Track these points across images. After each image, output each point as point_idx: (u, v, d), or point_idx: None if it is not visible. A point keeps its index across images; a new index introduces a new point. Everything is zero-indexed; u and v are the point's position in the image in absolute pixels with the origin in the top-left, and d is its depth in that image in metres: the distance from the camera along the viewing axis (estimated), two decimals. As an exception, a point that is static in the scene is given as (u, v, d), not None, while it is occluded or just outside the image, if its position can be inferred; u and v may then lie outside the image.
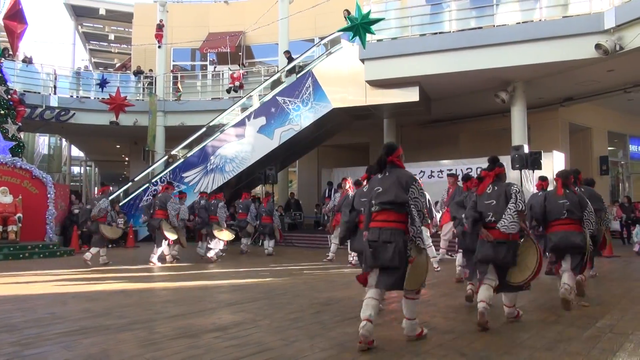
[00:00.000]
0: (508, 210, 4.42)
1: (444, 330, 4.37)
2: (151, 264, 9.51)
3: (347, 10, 14.79)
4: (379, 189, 4.07)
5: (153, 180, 15.58)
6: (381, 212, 4.01)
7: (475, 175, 6.14)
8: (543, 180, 7.41)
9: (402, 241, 3.90)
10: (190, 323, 4.66)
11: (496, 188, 4.67)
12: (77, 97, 17.70)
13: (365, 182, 5.13)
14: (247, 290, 6.59)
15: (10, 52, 16.67)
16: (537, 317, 4.88)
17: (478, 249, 4.68)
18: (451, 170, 13.75)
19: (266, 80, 16.42)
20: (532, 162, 10.65)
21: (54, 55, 67.21)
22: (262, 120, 14.37)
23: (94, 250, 9.67)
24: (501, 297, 4.77)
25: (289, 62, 15.61)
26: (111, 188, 11.73)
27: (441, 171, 14.02)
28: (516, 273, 4.54)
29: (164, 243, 9.88)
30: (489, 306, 4.36)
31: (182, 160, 15.59)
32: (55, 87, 17.79)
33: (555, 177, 5.80)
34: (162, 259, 10.06)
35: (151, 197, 12.14)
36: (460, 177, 7.51)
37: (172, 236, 9.71)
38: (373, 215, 4.05)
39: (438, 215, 9.30)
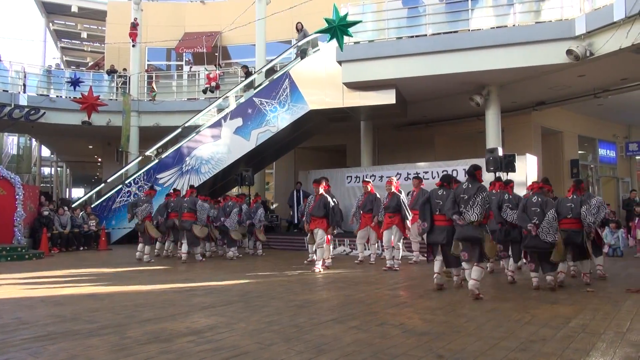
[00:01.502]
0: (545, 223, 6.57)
1: (420, 331, 4.36)
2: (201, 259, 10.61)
3: (300, 23, 15.24)
4: (464, 197, 6.10)
5: (127, 182, 15.25)
6: (467, 213, 6.07)
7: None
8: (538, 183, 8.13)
9: (483, 231, 6.05)
10: (162, 327, 4.55)
11: (539, 199, 6.79)
12: (48, 95, 17.23)
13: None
14: (221, 293, 6.49)
15: (-23, 49, 16.13)
16: (512, 318, 4.92)
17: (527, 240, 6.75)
18: (427, 172, 13.92)
19: (243, 81, 16.28)
20: (507, 164, 10.79)
21: (23, 52, 65.49)
22: (238, 122, 14.23)
23: (147, 249, 10.58)
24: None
25: (246, 77, 15.60)
26: (156, 191, 12.39)
27: (417, 173, 14.09)
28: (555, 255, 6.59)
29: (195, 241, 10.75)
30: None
31: (156, 161, 15.32)
32: (24, 85, 17.28)
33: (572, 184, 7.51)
34: (202, 254, 10.98)
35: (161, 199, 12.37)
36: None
37: (202, 234, 10.75)
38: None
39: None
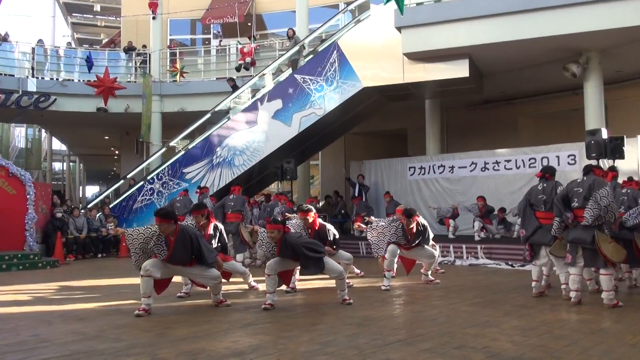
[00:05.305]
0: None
1: (510, 356, 4.28)
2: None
3: (291, 29, 16.09)
4: (579, 190, 6.47)
5: (149, 178, 15.72)
6: (581, 209, 6.32)
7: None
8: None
9: (596, 231, 6.22)
10: (199, 347, 4.68)
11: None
12: (58, 79, 18.01)
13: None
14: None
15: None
16: (626, 341, 4.75)
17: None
18: (509, 160, 13.65)
19: (282, 55, 16.41)
20: (613, 149, 10.38)
21: (30, 31, 68.58)
22: (277, 104, 14.35)
23: None
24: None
25: (233, 91, 16.00)
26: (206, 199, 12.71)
27: (497, 162, 13.84)
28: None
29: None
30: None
31: (182, 152, 15.71)
32: (33, 68, 18.10)
33: None
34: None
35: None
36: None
37: (248, 238, 10.99)
38: (575, 211, 6.43)
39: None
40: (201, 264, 6.44)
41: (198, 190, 13.23)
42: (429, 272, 8.62)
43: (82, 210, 15.18)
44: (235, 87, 16.19)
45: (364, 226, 9.24)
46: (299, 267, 7.03)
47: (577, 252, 6.50)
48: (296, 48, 15.22)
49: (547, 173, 7.23)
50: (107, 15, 32.75)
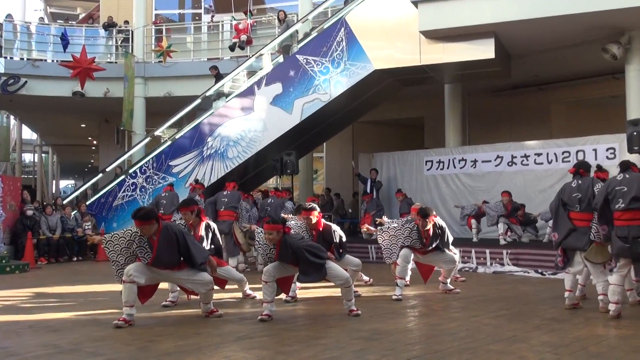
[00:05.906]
0: None
1: (539, 376, 4.28)
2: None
3: (283, 12, 16.28)
4: (623, 189, 6.37)
5: (131, 171, 15.74)
6: (627, 211, 6.28)
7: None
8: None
9: None
10: (187, 363, 4.70)
11: None
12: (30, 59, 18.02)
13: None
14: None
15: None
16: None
17: None
18: (540, 154, 13.60)
19: (282, 33, 16.39)
20: (658, 142, 10.39)
21: (-3, 4, 68.56)
22: (277, 88, 14.33)
23: None
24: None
25: (216, 80, 16.01)
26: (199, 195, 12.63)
27: (526, 156, 13.79)
28: None
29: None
30: None
31: (168, 143, 15.71)
32: (0, 47, 18.12)
33: None
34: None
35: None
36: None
37: (242, 240, 11.22)
38: (618, 214, 6.36)
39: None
40: (191, 267, 6.44)
41: (193, 184, 13.15)
42: (448, 280, 8.61)
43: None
44: (219, 76, 16.17)
45: (372, 229, 9.23)
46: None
47: (620, 260, 6.45)
48: (288, 33, 15.17)
49: (582, 168, 7.19)
50: (84, -13, 32.76)
